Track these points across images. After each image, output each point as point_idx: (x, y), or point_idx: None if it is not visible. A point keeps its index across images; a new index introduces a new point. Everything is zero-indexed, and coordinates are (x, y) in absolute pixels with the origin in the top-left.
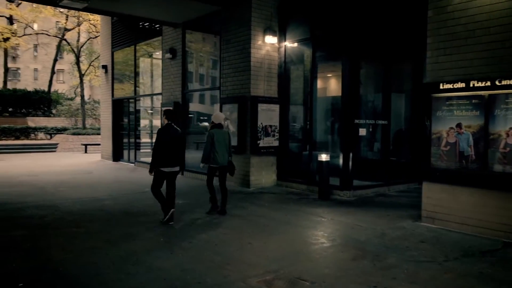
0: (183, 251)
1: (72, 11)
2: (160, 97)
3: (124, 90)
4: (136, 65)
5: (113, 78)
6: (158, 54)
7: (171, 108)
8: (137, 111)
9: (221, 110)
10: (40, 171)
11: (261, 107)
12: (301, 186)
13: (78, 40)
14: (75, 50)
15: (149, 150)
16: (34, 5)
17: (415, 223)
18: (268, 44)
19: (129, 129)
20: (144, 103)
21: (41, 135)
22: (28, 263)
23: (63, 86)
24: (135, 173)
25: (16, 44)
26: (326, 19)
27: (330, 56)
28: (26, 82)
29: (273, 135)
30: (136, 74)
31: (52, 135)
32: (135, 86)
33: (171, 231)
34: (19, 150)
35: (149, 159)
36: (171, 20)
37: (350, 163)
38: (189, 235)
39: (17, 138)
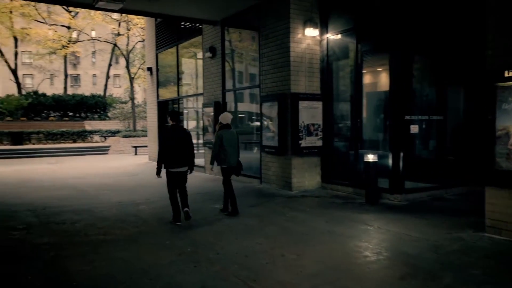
0: (208, 263)
1: (123, 16)
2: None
3: (168, 91)
4: (178, 66)
5: (157, 80)
6: (200, 54)
7: (175, 109)
8: (181, 113)
9: (260, 109)
10: (88, 173)
11: (302, 104)
12: (347, 189)
13: (127, 44)
14: (125, 54)
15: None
16: (93, 12)
17: (477, 234)
18: (308, 37)
19: None
20: (188, 104)
21: (96, 137)
22: (43, 274)
23: (119, 90)
24: None
25: (72, 51)
26: (372, 7)
27: (378, 47)
28: (86, 87)
29: (316, 134)
30: (179, 75)
31: (106, 137)
32: (178, 87)
33: (201, 240)
34: (74, 152)
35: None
36: (210, 18)
37: (401, 163)
38: (219, 244)
39: (74, 141)
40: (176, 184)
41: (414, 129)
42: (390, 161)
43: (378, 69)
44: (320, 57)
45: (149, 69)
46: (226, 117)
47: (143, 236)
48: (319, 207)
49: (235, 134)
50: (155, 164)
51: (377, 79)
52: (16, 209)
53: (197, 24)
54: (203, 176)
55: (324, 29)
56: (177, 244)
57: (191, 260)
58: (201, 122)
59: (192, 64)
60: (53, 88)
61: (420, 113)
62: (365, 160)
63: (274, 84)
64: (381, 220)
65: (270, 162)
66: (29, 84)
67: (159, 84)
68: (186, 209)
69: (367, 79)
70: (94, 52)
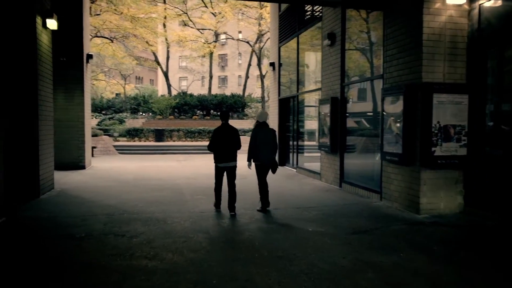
0: None
1: (255, 11)
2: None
3: (288, 87)
4: (298, 59)
5: (279, 76)
6: (320, 43)
7: (225, 110)
8: (300, 110)
9: (382, 105)
10: (202, 174)
11: (438, 98)
12: (504, 218)
13: (260, 42)
14: (257, 52)
15: (312, 154)
16: (223, 10)
17: None
18: (450, 6)
19: (292, 130)
20: (309, 101)
21: None
22: None
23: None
24: (290, 181)
25: (209, 52)
26: None
27: None
28: (232, 88)
29: (458, 139)
30: (299, 68)
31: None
32: (298, 82)
33: (259, 283)
34: (204, 151)
35: (311, 165)
36: None
37: None
38: None
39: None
40: (222, 177)
41: None
42: None
43: None
44: (468, 33)
45: (272, 64)
46: (261, 115)
47: (192, 268)
48: (454, 245)
49: (270, 132)
50: None
51: None
52: (95, 212)
53: (317, 9)
54: (316, 184)
55: None
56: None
57: None
58: (310, 121)
59: (312, 55)
60: (203, 89)
61: None
62: None
63: (400, 73)
64: None
65: (392, 174)
66: (184, 86)
67: (280, 80)
68: (231, 213)
69: None
70: (240, 54)
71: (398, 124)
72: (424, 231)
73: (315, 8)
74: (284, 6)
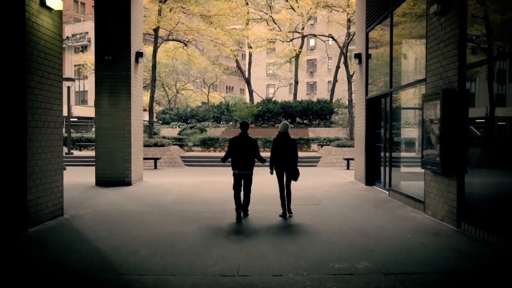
0: None
1: (341, 4)
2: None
3: (379, 84)
4: (392, 45)
5: (367, 70)
6: (422, 20)
7: (246, 121)
8: (394, 113)
9: None
10: (262, 194)
11: None
12: None
13: (347, 36)
14: (342, 47)
15: (411, 170)
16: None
17: None
18: None
19: (384, 140)
20: (405, 100)
21: (314, 146)
22: None
23: (353, 95)
24: (379, 212)
25: (292, 51)
26: None
27: None
28: (321, 94)
29: None
30: (392, 57)
31: (323, 146)
32: (391, 75)
33: None
34: None
35: (410, 185)
36: None
37: None
38: None
39: None
40: (240, 184)
41: None
42: None
43: None
44: None
45: (357, 56)
46: (281, 126)
47: None
48: None
49: (290, 142)
50: (359, 186)
51: None
52: (64, 268)
53: None
54: (418, 220)
55: None
56: None
57: None
58: (421, 125)
59: (412, 38)
60: (290, 96)
61: None
62: None
63: None
64: None
65: None
66: (271, 94)
67: (368, 76)
68: (243, 215)
69: None
70: (330, 58)
71: None
72: None
73: None
74: None
